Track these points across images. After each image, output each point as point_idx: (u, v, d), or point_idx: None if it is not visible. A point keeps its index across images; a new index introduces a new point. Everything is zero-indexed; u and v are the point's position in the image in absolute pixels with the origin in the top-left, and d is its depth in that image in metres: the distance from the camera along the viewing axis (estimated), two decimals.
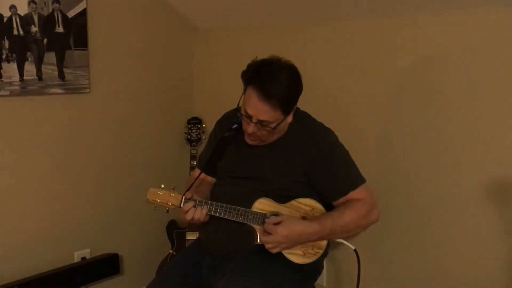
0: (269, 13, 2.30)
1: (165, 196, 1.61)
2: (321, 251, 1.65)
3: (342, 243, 1.71)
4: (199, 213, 1.59)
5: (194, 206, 1.60)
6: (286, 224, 1.55)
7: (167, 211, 1.64)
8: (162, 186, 1.63)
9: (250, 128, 1.57)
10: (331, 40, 2.14)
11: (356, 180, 1.67)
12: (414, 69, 1.89)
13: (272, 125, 1.55)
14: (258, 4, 2.26)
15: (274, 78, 1.52)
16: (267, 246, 1.57)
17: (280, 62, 1.56)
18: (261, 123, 1.54)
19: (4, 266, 2.08)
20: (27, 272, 2.13)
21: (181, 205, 1.60)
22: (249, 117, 1.55)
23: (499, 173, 1.70)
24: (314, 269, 1.77)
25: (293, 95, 1.57)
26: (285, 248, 1.59)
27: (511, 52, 1.65)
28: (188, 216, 1.60)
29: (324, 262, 1.85)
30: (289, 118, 1.61)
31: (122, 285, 2.50)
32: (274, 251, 1.57)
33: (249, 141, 1.66)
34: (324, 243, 1.65)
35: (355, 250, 1.69)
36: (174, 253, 2.49)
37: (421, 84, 1.87)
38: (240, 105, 1.61)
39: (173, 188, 1.63)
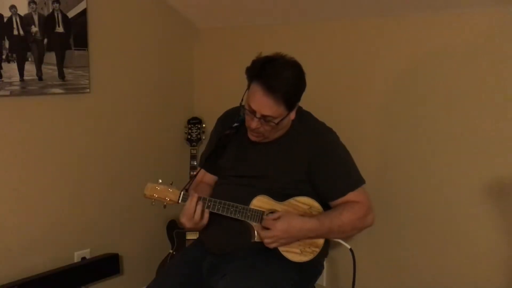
0: (269, 13, 2.30)
1: (163, 191, 1.60)
2: (318, 250, 1.65)
3: (339, 243, 1.72)
4: (194, 205, 1.57)
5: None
6: (285, 219, 1.56)
7: (165, 206, 1.63)
8: (160, 181, 1.62)
9: (253, 124, 1.57)
10: (331, 40, 2.14)
11: (356, 181, 1.67)
12: (414, 69, 1.89)
13: (276, 121, 1.56)
14: (258, 4, 2.26)
15: (279, 74, 1.52)
16: (265, 241, 1.57)
17: (285, 59, 1.57)
18: (264, 118, 1.55)
19: (4, 266, 2.08)
20: (27, 272, 2.13)
21: (179, 201, 1.60)
22: (253, 112, 1.55)
23: (499, 173, 1.70)
24: (314, 269, 1.77)
25: (296, 91, 1.57)
26: (282, 244, 1.59)
27: (509, 52, 1.65)
28: (187, 211, 1.58)
29: (324, 263, 1.85)
30: (292, 115, 1.61)
31: (122, 285, 2.50)
32: (271, 246, 1.57)
33: (251, 137, 1.66)
34: (321, 241, 1.66)
35: (350, 249, 1.69)
36: (174, 253, 2.48)
37: (421, 84, 1.87)
38: (243, 102, 1.61)
39: (171, 184, 1.63)
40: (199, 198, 1.59)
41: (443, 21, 1.79)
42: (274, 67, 1.53)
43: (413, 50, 1.88)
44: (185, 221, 1.60)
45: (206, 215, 1.60)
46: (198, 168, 1.90)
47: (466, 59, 1.75)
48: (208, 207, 1.60)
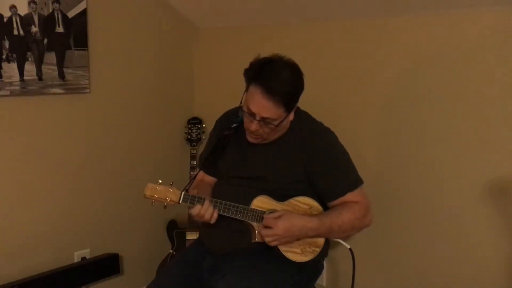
0: (269, 13, 2.30)
1: (163, 192, 1.60)
2: (318, 250, 1.65)
3: (339, 243, 1.72)
4: (205, 210, 1.58)
5: (194, 202, 1.59)
6: (287, 218, 1.56)
7: (165, 207, 1.62)
8: (160, 181, 1.61)
9: (253, 126, 1.57)
10: (331, 40, 2.14)
11: (355, 181, 1.67)
12: (413, 69, 1.89)
13: (275, 123, 1.55)
14: (258, 4, 2.26)
15: (278, 75, 1.52)
16: (266, 239, 1.57)
17: (283, 60, 1.57)
18: (264, 120, 1.54)
19: (4, 266, 2.08)
20: (27, 272, 2.13)
21: (180, 201, 1.60)
22: (252, 115, 1.55)
23: (499, 173, 1.70)
24: (315, 269, 1.77)
25: (296, 92, 1.57)
26: (284, 243, 1.59)
27: (511, 52, 1.65)
28: (194, 212, 1.59)
29: (324, 263, 1.85)
30: (291, 116, 1.61)
31: (122, 285, 2.50)
32: (273, 244, 1.57)
33: (250, 139, 1.66)
34: (321, 241, 1.66)
35: (350, 249, 1.70)
36: (174, 253, 2.49)
37: (420, 84, 1.87)
38: (242, 103, 1.61)
39: (171, 184, 1.62)
40: (199, 200, 1.60)
41: (445, 20, 1.79)
42: (272, 69, 1.52)
43: (413, 50, 1.88)
44: (196, 219, 1.63)
45: (215, 215, 1.60)
46: (198, 169, 1.90)
47: (467, 59, 1.75)
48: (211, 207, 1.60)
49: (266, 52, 1.59)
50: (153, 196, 1.60)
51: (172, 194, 1.60)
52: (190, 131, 2.64)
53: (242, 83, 1.59)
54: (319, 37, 2.18)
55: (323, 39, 2.17)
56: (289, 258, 1.61)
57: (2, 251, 2.07)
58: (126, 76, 2.43)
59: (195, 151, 2.58)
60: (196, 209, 1.58)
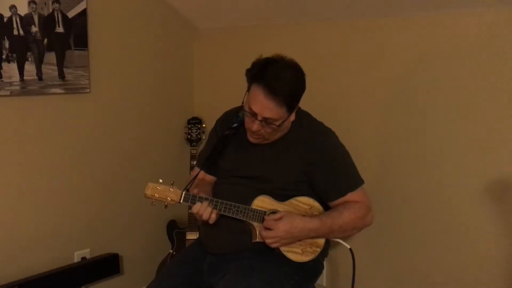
0: (269, 13, 2.30)
1: (164, 191, 1.60)
2: (319, 250, 1.66)
3: (339, 243, 1.72)
4: (204, 209, 1.58)
5: (194, 202, 1.59)
6: (287, 220, 1.56)
7: (166, 206, 1.62)
8: (161, 181, 1.61)
9: (254, 126, 1.57)
10: (331, 40, 2.14)
11: (355, 181, 1.67)
12: (413, 69, 1.89)
13: (277, 123, 1.56)
14: (258, 4, 2.26)
15: (280, 76, 1.52)
16: (267, 241, 1.57)
17: (285, 60, 1.57)
18: (266, 120, 1.54)
19: (4, 266, 2.08)
20: (27, 272, 2.13)
21: (181, 201, 1.60)
22: (254, 115, 1.55)
23: (499, 173, 1.70)
24: (315, 269, 1.77)
25: (298, 93, 1.57)
26: (284, 244, 1.59)
27: (510, 52, 1.65)
28: (194, 210, 1.59)
29: (324, 263, 1.85)
30: (292, 117, 1.61)
31: (122, 285, 2.50)
32: (274, 245, 1.58)
33: (252, 139, 1.66)
34: (322, 241, 1.66)
35: (350, 249, 1.70)
36: (174, 253, 2.49)
37: (420, 84, 1.87)
38: (243, 103, 1.61)
39: (172, 183, 1.62)
40: (200, 199, 1.60)
41: (445, 20, 1.79)
42: (275, 69, 1.52)
43: (413, 50, 1.88)
44: (196, 217, 1.63)
45: (213, 216, 1.60)
46: (195, 169, 1.90)
47: (466, 59, 1.75)
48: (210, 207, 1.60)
49: (265, 52, 1.60)
50: (154, 195, 1.60)
51: (173, 194, 1.60)
52: (190, 131, 2.64)
53: (242, 83, 1.59)
54: (319, 37, 2.18)
55: (323, 39, 2.17)
56: (290, 258, 1.62)
57: (2, 251, 2.07)
58: (126, 76, 2.43)
59: (195, 151, 2.58)
60: (196, 207, 1.59)
